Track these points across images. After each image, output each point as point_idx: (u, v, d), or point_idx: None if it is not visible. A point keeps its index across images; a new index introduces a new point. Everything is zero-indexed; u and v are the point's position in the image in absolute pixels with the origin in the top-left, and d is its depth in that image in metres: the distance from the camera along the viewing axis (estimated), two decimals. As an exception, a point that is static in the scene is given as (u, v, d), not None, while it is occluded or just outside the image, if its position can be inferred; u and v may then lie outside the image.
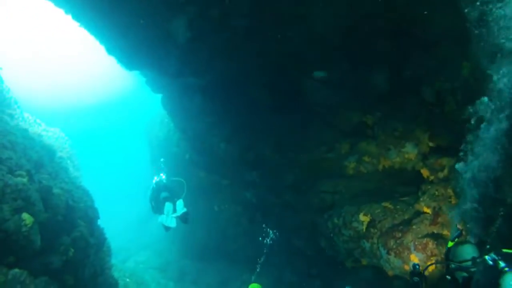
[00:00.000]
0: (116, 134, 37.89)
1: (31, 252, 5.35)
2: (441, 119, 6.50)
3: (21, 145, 7.70)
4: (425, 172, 7.59)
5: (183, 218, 10.42)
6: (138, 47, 8.88)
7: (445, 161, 6.92)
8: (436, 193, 7.10)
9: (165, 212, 10.27)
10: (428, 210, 7.02)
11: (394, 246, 6.75)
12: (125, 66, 9.91)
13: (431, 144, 7.33)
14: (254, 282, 7.29)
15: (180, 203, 10.35)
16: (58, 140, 12.09)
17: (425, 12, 5.80)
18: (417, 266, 4.01)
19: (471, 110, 5.47)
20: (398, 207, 7.46)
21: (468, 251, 3.65)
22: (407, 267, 6.45)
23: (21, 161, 6.75)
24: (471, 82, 5.69)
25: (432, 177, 7.39)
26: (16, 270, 4.70)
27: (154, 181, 11.54)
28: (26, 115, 12.54)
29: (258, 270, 8.91)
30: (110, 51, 9.69)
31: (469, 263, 3.53)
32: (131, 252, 18.04)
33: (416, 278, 3.97)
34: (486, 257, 3.27)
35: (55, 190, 6.93)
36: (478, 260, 3.47)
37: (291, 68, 8.01)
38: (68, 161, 11.37)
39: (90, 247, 7.53)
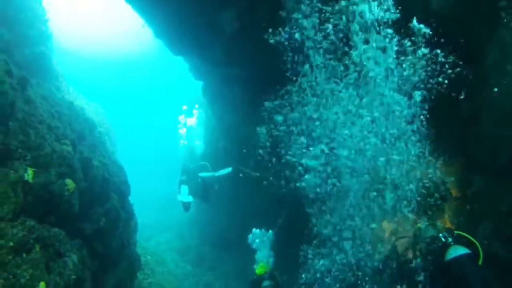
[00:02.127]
0: (152, 115, 38.31)
1: (70, 216, 5.69)
2: (476, 136, 6.43)
3: (66, 116, 8.10)
4: (453, 188, 7.58)
5: (204, 196, 11.15)
6: (185, 34, 9.14)
7: (475, 178, 6.86)
8: (462, 209, 7.11)
9: (181, 192, 10.95)
10: (452, 226, 7.03)
11: (411, 256, 6.79)
12: (171, 50, 10.24)
13: (463, 160, 7.29)
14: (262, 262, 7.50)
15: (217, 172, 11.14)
16: (98, 115, 12.57)
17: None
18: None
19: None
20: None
21: (430, 231, 4.66)
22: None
23: (66, 131, 7.13)
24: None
25: (460, 194, 7.38)
26: (56, 229, 5.05)
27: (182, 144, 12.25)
28: (70, 88, 13.09)
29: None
30: (157, 35, 10.01)
31: (428, 239, 4.53)
32: (154, 232, 18.49)
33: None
34: (440, 234, 4.45)
35: (94, 162, 7.27)
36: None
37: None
38: (106, 137, 11.83)
39: (120, 220, 7.87)
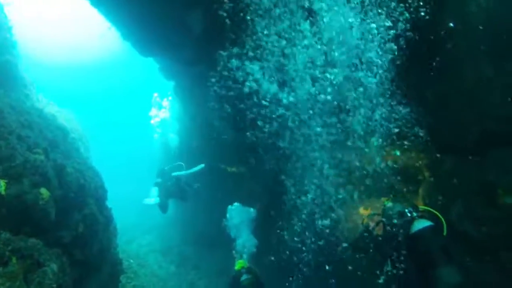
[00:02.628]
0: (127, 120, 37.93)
1: (46, 225, 5.66)
2: (445, 117, 6.58)
3: (37, 124, 8.01)
4: (426, 170, 7.79)
5: (181, 196, 11.21)
6: (154, 36, 9.13)
7: (446, 159, 7.02)
8: (435, 190, 7.34)
9: (149, 195, 11.01)
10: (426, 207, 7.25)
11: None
12: (139, 52, 10.19)
13: (435, 141, 7.43)
14: (241, 259, 7.71)
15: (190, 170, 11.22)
16: (70, 121, 12.43)
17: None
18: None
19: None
20: (396, 203, 7.69)
21: (397, 207, 5.07)
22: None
23: (37, 139, 7.06)
24: (475, 86, 5.86)
25: (432, 175, 7.59)
26: (33, 239, 5.03)
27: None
28: (40, 96, 12.88)
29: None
30: (125, 37, 9.96)
31: (396, 215, 4.93)
32: (135, 235, 18.37)
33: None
34: (406, 210, 4.89)
35: (68, 169, 7.21)
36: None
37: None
38: (80, 143, 11.71)
39: (99, 224, 7.83)
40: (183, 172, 12.02)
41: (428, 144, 7.36)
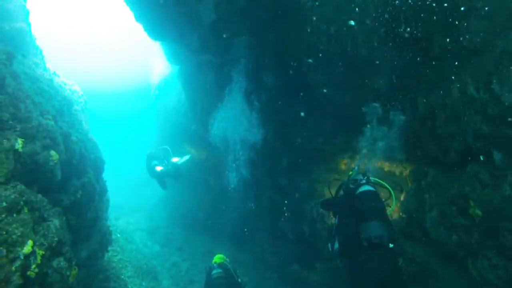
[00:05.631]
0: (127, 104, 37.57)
1: (52, 185, 6.07)
2: (431, 132, 6.98)
3: (47, 92, 8.40)
4: (410, 179, 8.21)
5: (176, 175, 12.20)
6: (165, 20, 9.50)
7: (430, 171, 7.42)
8: (414, 197, 7.78)
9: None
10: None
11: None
12: (150, 35, 10.54)
13: (418, 153, 7.84)
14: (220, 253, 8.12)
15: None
16: (74, 93, 12.70)
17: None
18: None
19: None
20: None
21: (357, 176, 6.16)
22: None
23: (47, 106, 7.46)
24: (459, 103, 6.28)
25: (415, 184, 8.00)
26: (40, 195, 5.45)
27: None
28: (48, 65, 13.14)
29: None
30: (138, 18, 10.30)
31: (352, 181, 6.06)
32: (124, 212, 18.81)
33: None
34: (358, 178, 6.04)
35: (73, 137, 7.62)
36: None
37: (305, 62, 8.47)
38: (82, 115, 12.03)
39: (95, 194, 8.24)
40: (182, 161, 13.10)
41: (416, 155, 7.79)
